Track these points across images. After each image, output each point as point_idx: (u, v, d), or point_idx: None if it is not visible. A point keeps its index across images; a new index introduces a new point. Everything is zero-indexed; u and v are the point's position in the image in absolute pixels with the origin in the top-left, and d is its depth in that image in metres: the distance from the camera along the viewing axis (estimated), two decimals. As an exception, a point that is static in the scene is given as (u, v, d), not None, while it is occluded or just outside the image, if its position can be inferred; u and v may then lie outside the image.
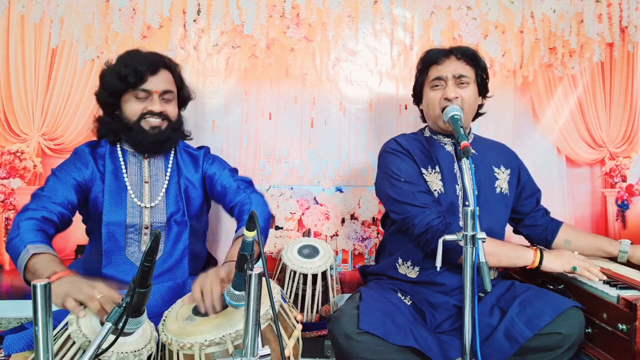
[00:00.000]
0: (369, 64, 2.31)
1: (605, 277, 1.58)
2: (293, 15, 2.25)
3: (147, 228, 1.66)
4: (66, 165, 1.66)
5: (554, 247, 1.86)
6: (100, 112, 1.72)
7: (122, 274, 1.61)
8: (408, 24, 2.31)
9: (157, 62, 1.65)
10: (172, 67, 1.73)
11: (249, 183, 1.81)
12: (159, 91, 1.64)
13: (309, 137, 2.31)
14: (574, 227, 1.92)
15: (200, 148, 1.85)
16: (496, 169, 1.79)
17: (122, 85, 1.62)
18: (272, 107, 2.29)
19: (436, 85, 1.71)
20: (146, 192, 1.69)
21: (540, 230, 1.87)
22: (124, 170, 1.68)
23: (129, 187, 1.67)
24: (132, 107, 1.64)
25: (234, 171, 1.83)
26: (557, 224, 1.87)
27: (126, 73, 1.60)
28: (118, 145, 1.71)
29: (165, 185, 1.71)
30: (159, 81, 1.65)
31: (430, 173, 1.70)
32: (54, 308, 0.90)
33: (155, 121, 1.64)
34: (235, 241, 1.60)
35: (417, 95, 1.83)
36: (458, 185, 1.69)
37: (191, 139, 1.85)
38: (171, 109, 1.69)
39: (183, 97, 1.79)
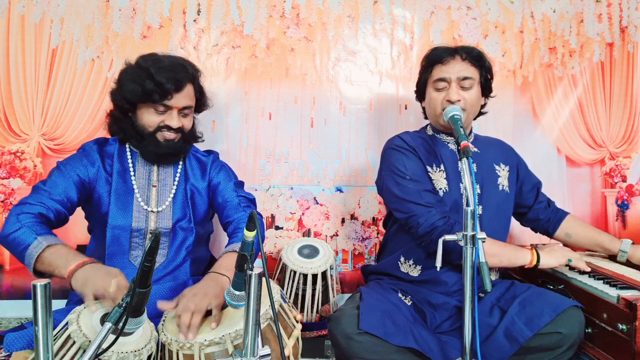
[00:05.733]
0: (369, 64, 2.31)
1: (589, 269, 1.69)
2: (293, 15, 2.25)
3: (152, 233, 1.64)
4: (72, 160, 1.62)
5: (555, 239, 1.92)
6: (110, 106, 1.68)
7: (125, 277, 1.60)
8: (408, 24, 2.31)
9: (183, 78, 1.59)
10: (194, 78, 1.67)
11: (251, 201, 1.76)
12: (179, 107, 1.60)
13: (309, 137, 2.31)
14: (578, 220, 1.93)
15: (209, 152, 1.83)
16: (497, 167, 1.80)
17: (145, 98, 1.56)
18: (272, 107, 2.29)
19: (440, 86, 1.70)
20: (153, 196, 1.67)
21: (542, 223, 1.91)
22: (131, 173, 1.65)
23: (136, 191, 1.64)
24: (149, 119, 1.60)
25: (240, 185, 1.79)
26: (560, 217, 1.90)
27: (152, 89, 1.53)
28: (127, 145, 1.67)
29: (173, 191, 1.68)
30: (182, 97, 1.60)
31: (436, 171, 1.70)
32: (55, 306, 0.90)
33: (170, 135, 1.62)
34: (224, 254, 1.55)
35: (420, 92, 1.82)
36: (462, 183, 1.69)
37: (202, 140, 1.81)
38: (187, 122, 1.67)
39: (202, 105, 1.77)
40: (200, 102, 1.76)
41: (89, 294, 1.24)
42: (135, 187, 1.64)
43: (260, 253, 1.07)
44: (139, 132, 1.61)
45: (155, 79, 1.53)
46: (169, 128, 1.61)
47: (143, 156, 1.66)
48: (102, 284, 1.25)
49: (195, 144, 1.83)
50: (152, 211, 1.65)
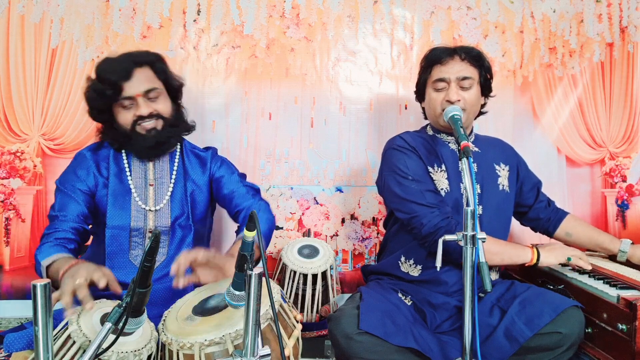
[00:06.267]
0: (369, 64, 2.31)
1: (590, 267, 1.68)
2: (293, 15, 2.25)
3: (150, 232, 1.64)
4: (68, 176, 1.64)
5: (555, 238, 1.92)
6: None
7: (125, 276, 1.59)
8: (408, 24, 2.31)
9: (127, 66, 1.57)
10: (150, 62, 1.64)
11: (257, 190, 1.79)
12: (141, 93, 1.58)
13: (309, 137, 2.31)
14: (579, 219, 1.94)
15: (207, 149, 1.82)
16: (497, 167, 1.80)
17: (104, 102, 1.58)
18: (272, 107, 2.29)
19: (439, 86, 1.70)
20: (151, 195, 1.67)
21: (542, 222, 1.92)
22: (128, 173, 1.66)
23: (133, 190, 1.65)
24: (122, 117, 1.61)
25: (243, 176, 1.81)
26: (561, 216, 1.90)
27: (102, 88, 1.55)
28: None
29: (170, 189, 1.68)
30: (137, 83, 1.57)
31: (437, 171, 1.70)
32: (55, 307, 0.91)
33: (148, 124, 1.60)
34: (237, 241, 1.57)
35: (420, 93, 1.82)
36: (463, 183, 1.69)
37: (194, 129, 1.79)
38: (161, 106, 1.63)
39: (173, 87, 1.71)
40: (170, 84, 1.70)
41: (63, 294, 1.23)
42: (132, 186, 1.65)
43: (261, 253, 1.07)
44: (123, 134, 1.62)
45: (102, 77, 1.55)
46: (142, 117, 1.59)
47: (138, 155, 1.67)
48: (65, 287, 1.24)
49: (193, 142, 1.83)
50: (149, 210, 1.65)
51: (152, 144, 1.61)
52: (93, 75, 1.60)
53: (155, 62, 1.65)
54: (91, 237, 1.76)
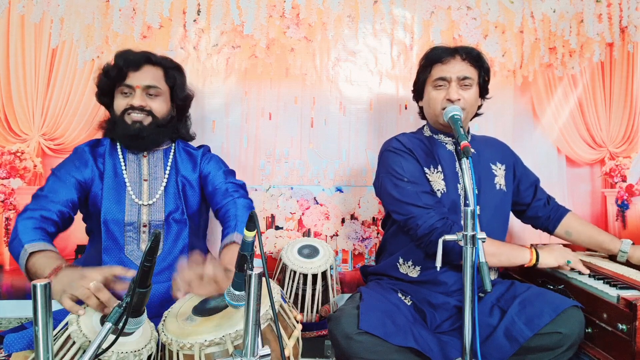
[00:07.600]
0: (369, 64, 2.31)
1: (588, 271, 1.69)
2: (293, 15, 2.25)
3: (145, 226, 1.66)
4: (66, 164, 1.66)
5: (555, 236, 1.92)
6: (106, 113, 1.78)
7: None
8: (408, 24, 2.31)
9: (140, 58, 1.67)
10: (165, 66, 1.72)
11: (239, 186, 1.76)
12: (141, 86, 1.65)
13: (309, 137, 2.31)
14: (579, 218, 1.93)
15: (199, 147, 1.85)
16: (493, 166, 1.80)
17: (107, 82, 1.67)
18: (272, 107, 2.29)
19: (439, 85, 1.70)
20: (145, 189, 1.69)
21: (542, 221, 1.91)
22: (123, 168, 1.68)
23: (128, 185, 1.67)
24: (117, 103, 1.69)
25: (230, 173, 1.80)
26: (561, 215, 1.89)
27: (108, 69, 1.67)
28: (118, 144, 1.72)
29: (163, 183, 1.71)
30: (142, 76, 1.66)
31: (433, 173, 1.70)
32: (56, 307, 0.91)
33: (137, 116, 1.66)
34: (224, 248, 1.53)
35: (418, 92, 1.82)
36: (460, 184, 1.69)
37: (190, 140, 1.85)
38: (156, 105, 1.68)
39: (177, 96, 1.76)
40: (176, 92, 1.75)
41: (68, 304, 1.20)
42: (127, 181, 1.67)
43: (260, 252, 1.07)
44: (114, 121, 1.68)
45: (115, 62, 1.67)
46: (133, 107, 1.65)
47: (120, 142, 1.70)
48: (79, 290, 1.20)
49: (194, 142, 1.85)
50: (143, 204, 1.67)
51: (131, 134, 1.65)
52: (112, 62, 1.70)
53: (169, 68, 1.74)
54: (88, 237, 1.77)
